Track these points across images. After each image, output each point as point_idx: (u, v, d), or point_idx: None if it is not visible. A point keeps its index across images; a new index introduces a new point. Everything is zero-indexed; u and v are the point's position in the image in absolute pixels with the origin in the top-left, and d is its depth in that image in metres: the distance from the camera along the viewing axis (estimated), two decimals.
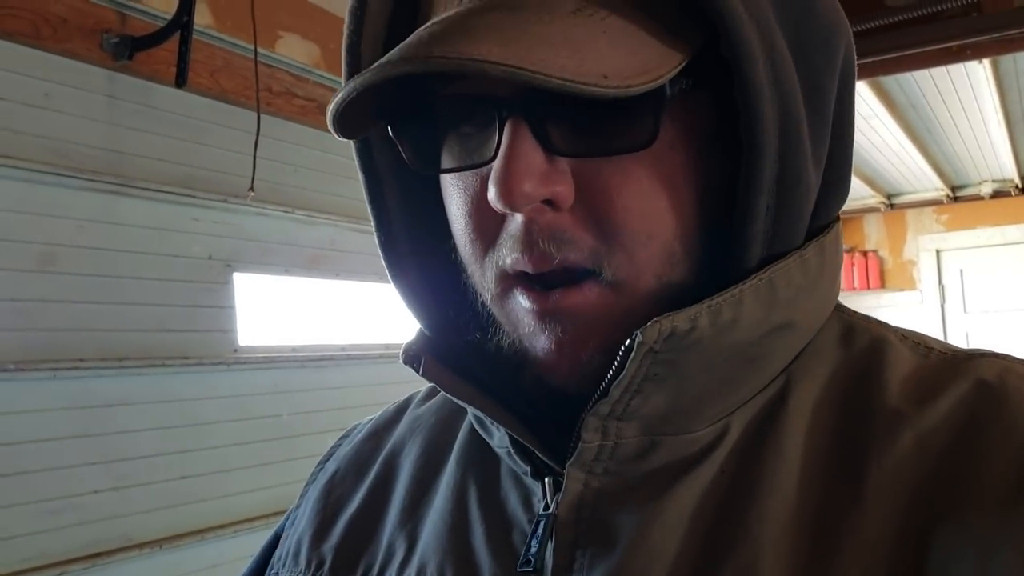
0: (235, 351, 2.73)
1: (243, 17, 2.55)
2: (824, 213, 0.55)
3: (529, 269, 0.48)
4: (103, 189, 2.37)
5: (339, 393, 3.02)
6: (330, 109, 0.48)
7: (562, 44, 0.43)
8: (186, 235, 2.60)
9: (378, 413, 0.74)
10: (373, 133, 0.56)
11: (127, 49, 2.36)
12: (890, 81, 4.09)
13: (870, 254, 6.82)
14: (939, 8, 3.08)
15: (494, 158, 0.47)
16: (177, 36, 2.33)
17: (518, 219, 0.48)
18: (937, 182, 6.05)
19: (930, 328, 6.62)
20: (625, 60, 0.44)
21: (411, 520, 0.61)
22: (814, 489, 0.49)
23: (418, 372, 0.56)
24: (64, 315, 2.27)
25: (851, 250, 6.87)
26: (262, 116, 2.60)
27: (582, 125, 0.47)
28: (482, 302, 0.54)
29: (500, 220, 0.50)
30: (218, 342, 2.68)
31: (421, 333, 0.59)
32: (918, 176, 5.91)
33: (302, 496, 0.72)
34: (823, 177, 0.54)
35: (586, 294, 0.49)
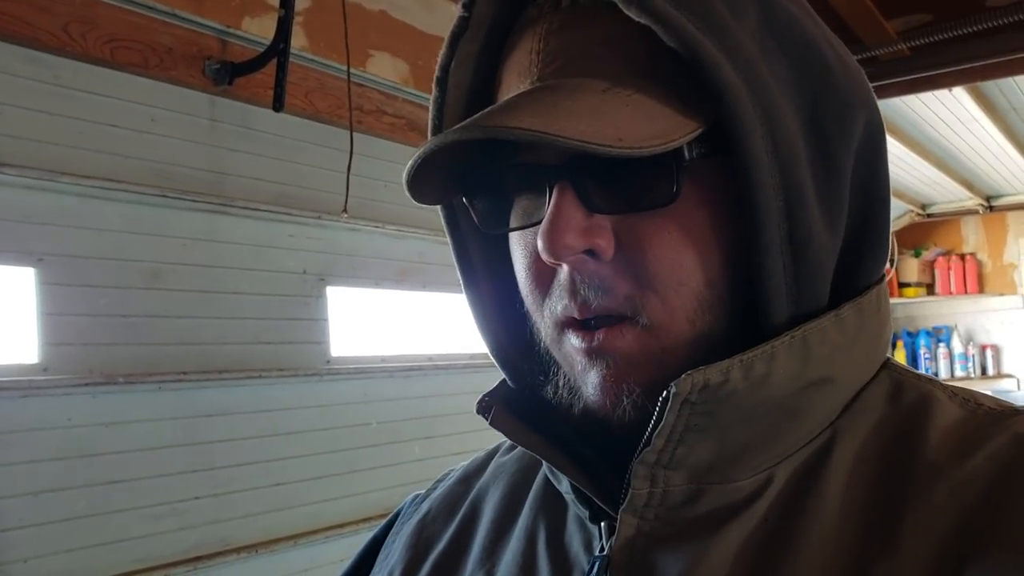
0: (328, 362, 2.82)
1: (336, 38, 2.63)
2: (864, 276, 0.59)
3: (576, 315, 0.54)
4: (205, 209, 2.49)
5: (426, 402, 3.10)
6: (404, 175, 0.55)
7: (585, 114, 0.50)
8: (282, 251, 2.71)
9: (469, 460, 0.79)
10: (455, 201, 0.63)
11: (227, 75, 2.46)
12: (989, 85, 3.96)
13: (968, 257, 6.56)
14: None
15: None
16: (274, 62, 2.42)
17: (564, 270, 0.54)
18: None
19: None
20: (642, 127, 0.50)
21: (490, 560, 0.66)
22: (851, 539, 0.52)
23: (488, 421, 0.61)
24: (169, 330, 2.39)
25: (948, 253, 6.63)
26: (353, 134, 2.69)
27: (618, 187, 0.53)
28: (545, 348, 0.60)
29: (553, 272, 0.56)
30: (312, 354, 2.78)
31: (500, 385, 0.65)
32: (1020, 178, 5.69)
33: (395, 532, 0.77)
34: (860, 241, 0.59)
35: (625, 336, 0.54)
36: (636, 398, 0.54)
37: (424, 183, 0.56)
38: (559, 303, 0.55)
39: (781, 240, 0.53)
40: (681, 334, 0.54)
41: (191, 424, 2.41)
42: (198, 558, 2.35)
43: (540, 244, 0.52)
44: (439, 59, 0.62)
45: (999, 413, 0.56)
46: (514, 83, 0.58)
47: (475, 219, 0.60)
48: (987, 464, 0.52)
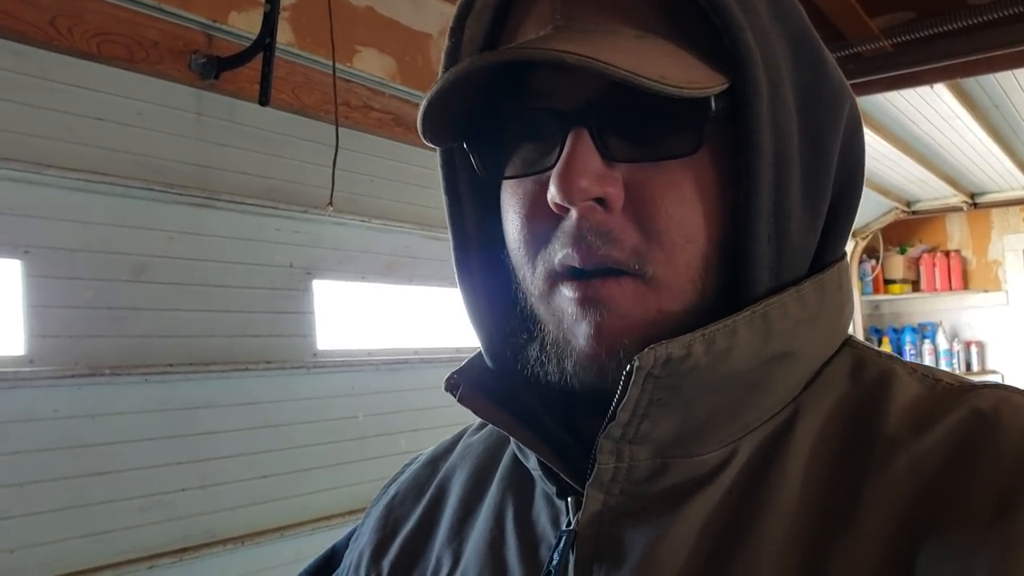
0: (314, 355, 2.83)
1: (323, 34, 2.64)
2: (828, 253, 0.60)
3: (577, 263, 0.53)
4: (191, 202, 2.49)
5: (412, 395, 3.11)
6: (423, 104, 0.55)
7: (627, 52, 0.50)
8: (268, 245, 2.72)
9: (437, 444, 0.80)
10: (458, 161, 0.62)
11: (214, 69, 2.47)
12: (970, 82, 3.99)
13: (952, 254, 6.59)
14: (1022, 8, 3.01)
15: (555, 164, 0.53)
16: (260, 56, 2.43)
17: (572, 217, 0.53)
18: None
19: (1019, 330, 6.40)
20: (680, 71, 0.51)
21: (457, 537, 0.67)
22: (812, 510, 0.53)
23: (456, 398, 0.61)
24: (155, 322, 2.40)
25: (932, 250, 6.66)
26: (340, 129, 2.70)
27: (636, 136, 0.53)
28: (529, 306, 0.59)
29: (552, 223, 0.55)
30: (298, 347, 2.78)
31: (470, 364, 0.65)
32: (1003, 175, 5.72)
33: (366, 515, 0.78)
34: (831, 222, 0.60)
35: (623, 287, 0.53)
36: (631, 357, 0.52)
37: (433, 121, 0.55)
38: (560, 251, 0.54)
39: (769, 211, 0.53)
40: (683, 293, 0.54)
41: (177, 416, 2.42)
42: (184, 549, 2.35)
43: (553, 187, 0.52)
44: (456, 10, 0.61)
45: (957, 388, 0.57)
46: (532, 32, 0.57)
47: (476, 166, 0.59)
48: (946, 438, 0.53)
